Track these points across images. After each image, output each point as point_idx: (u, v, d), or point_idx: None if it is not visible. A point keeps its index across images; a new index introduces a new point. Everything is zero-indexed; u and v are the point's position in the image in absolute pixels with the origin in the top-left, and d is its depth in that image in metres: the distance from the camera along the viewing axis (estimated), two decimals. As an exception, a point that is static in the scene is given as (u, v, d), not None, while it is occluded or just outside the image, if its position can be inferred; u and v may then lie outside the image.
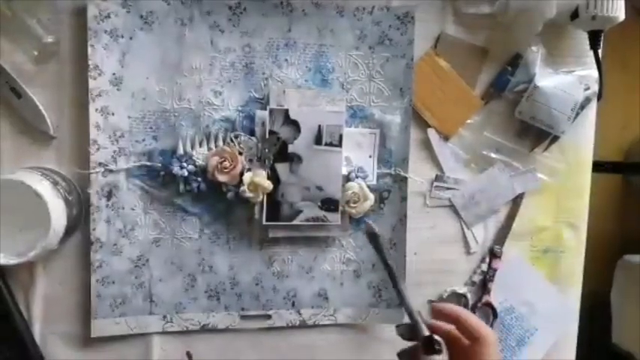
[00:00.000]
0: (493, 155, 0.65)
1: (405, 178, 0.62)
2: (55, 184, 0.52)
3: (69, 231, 0.53)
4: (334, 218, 0.59)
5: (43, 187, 0.50)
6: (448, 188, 0.65)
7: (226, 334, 0.61)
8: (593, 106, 0.67)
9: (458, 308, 0.51)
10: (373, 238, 0.52)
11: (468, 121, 0.64)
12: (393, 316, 0.63)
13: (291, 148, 0.57)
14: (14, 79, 0.54)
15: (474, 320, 0.49)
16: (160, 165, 0.57)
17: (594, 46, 0.62)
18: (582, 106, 0.64)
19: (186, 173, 0.56)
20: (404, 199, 0.62)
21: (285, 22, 0.58)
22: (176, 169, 0.56)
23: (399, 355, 0.51)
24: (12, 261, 0.50)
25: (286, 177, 0.58)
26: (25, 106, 0.54)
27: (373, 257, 0.62)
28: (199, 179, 0.57)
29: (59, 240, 0.52)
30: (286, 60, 0.59)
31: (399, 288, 0.50)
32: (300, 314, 0.62)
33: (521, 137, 0.66)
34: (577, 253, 0.70)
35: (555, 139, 0.65)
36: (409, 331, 0.49)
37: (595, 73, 0.64)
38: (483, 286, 0.66)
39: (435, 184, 0.64)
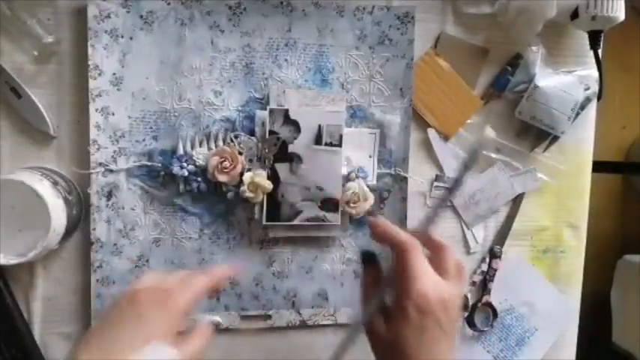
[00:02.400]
0: (493, 155, 0.65)
1: (405, 178, 0.62)
2: (55, 184, 0.52)
3: (69, 231, 0.53)
4: (334, 218, 0.59)
5: (43, 187, 0.50)
6: (448, 188, 0.65)
7: (226, 334, 0.61)
8: (593, 106, 0.67)
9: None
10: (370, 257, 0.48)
11: (468, 121, 0.64)
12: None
13: (291, 148, 0.57)
14: (14, 79, 0.54)
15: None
16: (160, 165, 0.57)
17: (594, 46, 0.62)
18: (582, 106, 0.64)
19: (186, 173, 0.56)
20: (404, 199, 0.62)
21: (285, 22, 0.58)
22: (176, 169, 0.56)
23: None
24: (12, 261, 0.50)
25: (286, 177, 0.58)
26: (25, 106, 0.54)
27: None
28: (199, 179, 0.57)
29: (59, 240, 0.52)
30: (286, 60, 0.59)
31: None
32: (300, 314, 0.62)
33: (521, 137, 0.66)
34: (577, 253, 0.70)
35: (555, 139, 0.65)
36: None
37: (595, 73, 0.64)
38: (483, 286, 0.66)
39: (435, 184, 0.64)
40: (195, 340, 0.42)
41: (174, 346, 0.39)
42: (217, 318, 0.45)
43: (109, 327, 0.39)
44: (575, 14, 0.60)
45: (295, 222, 0.59)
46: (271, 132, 0.57)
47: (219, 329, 0.45)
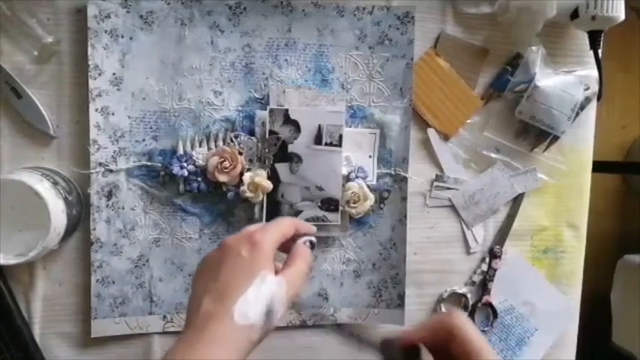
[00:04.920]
0: (493, 155, 0.65)
1: (405, 178, 0.62)
2: (55, 184, 0.52)
3: (69, 231, 0.53)
4: (334, 218, 0.59)
5: (43, 187, 0.50)
6: (448, 188, 0.65)
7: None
8: (593, 106, 0.67)
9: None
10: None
11: (468, 121, 0.64)
12: (393, 316, 0.63)
13: (291, 148, 0.57)
14: (14, 79, 0.54)
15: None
16: (160, 165, 0.57)
17: (594, 46, 0.62)
18: (582, 106, 0.64)
19: (186, 173, 0.56)
20: (404, 199, 0.62)
21: (285, 22, 0.58)
22: (176, 169, 0.56)
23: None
24: (12, 261, 0.50)
25: (286, 177, 0.58)
26: (25, 106, 0.54)
27: (373, 257, 0.62)
28: (199, 179, 0.57)
29: (59, 240, 0.52)
30: (286, 60, 0.59)
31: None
32: (300, 314, 0.62)
33: (521, 137, 0.66)
34: (577, 253, 0.70)
35: (555, 139, 0.65)
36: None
37: (595, 73, 0.64)
38: (483, 286, 0.66)
39: (435, 184, 0.64)
40: (296, 263, 0.43)
41: (280, 276, 0.40)
42: (311, 237, 0.46)
43: (214, 275, 0.40)
44: (575, 14, 0.60)
45: (295, 222, 0.59)
46: (271, 132, 0.57)
47: (314, 247, 0.46)
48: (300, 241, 0.45)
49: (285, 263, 0.43)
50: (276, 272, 0.41)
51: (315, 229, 0.49)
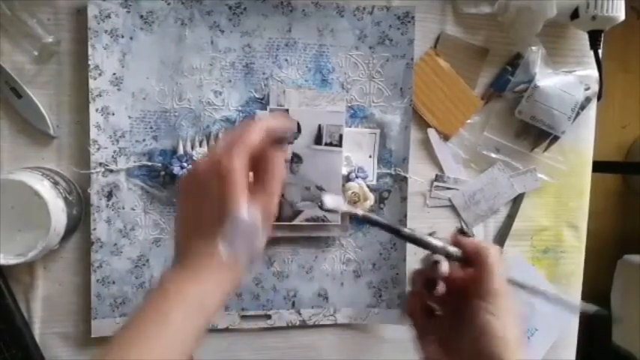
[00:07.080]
0: (493, 155, 0.65)
1: (405, 178, 0.62)
2: (55, 184, 0.52)
3: (69, 231, 0.53)
4: (334, 218, 0.59)
5: (43, 187, 0.50)
6: (448, 188, 0.65)
7: (226, 334, 0.61)
8: (593, 106, 0.67)
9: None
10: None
11: (468, 121, 0.64)
12: (393, 316, 0.63)
13: (290, 148, 0.57)
14: (14, 79, 0.54)
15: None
16: (160, 165, 0.57)
17: (594, 46, 0.62)
18: (582, 106, 0.64)
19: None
20: (404, 199, 0.62)
21: (285, 22, 0.58)
22: (176, 169, 0.56)
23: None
24: (12, 261, 0.50)
25: (286, 177, 0.57)
26: (25, 106, 0.54)
27: (373, 257, 0.62)
28: (199, 179, 0.57)
29: (59, 240, 0.52)
30: (286, 60, 0.59)
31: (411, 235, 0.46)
32: (300, 314, 0.62)
33: (521, 137, 0.66)
34: (577, 253, 0.70)
35: (555, 139, 0.65)
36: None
37: (595, 73, 0.64)
38: (483, 286, 0.66)
39: (435, 184, 0.64)
40: (269, 185, 0.41)
41: (253, 201, 0.39)
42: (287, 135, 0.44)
43: (189, 217, 0.41)
44: (575, 14, 0.60)
45: (295, 222, 0.58)
46: (271, 132, 0.57)
47: (293, 141, 0.44)
48: (274, 153, 0.42)
49: (259, 184, 0.41)
50: (250, 188, 0.39)
51: (294, 123, 0.46)
